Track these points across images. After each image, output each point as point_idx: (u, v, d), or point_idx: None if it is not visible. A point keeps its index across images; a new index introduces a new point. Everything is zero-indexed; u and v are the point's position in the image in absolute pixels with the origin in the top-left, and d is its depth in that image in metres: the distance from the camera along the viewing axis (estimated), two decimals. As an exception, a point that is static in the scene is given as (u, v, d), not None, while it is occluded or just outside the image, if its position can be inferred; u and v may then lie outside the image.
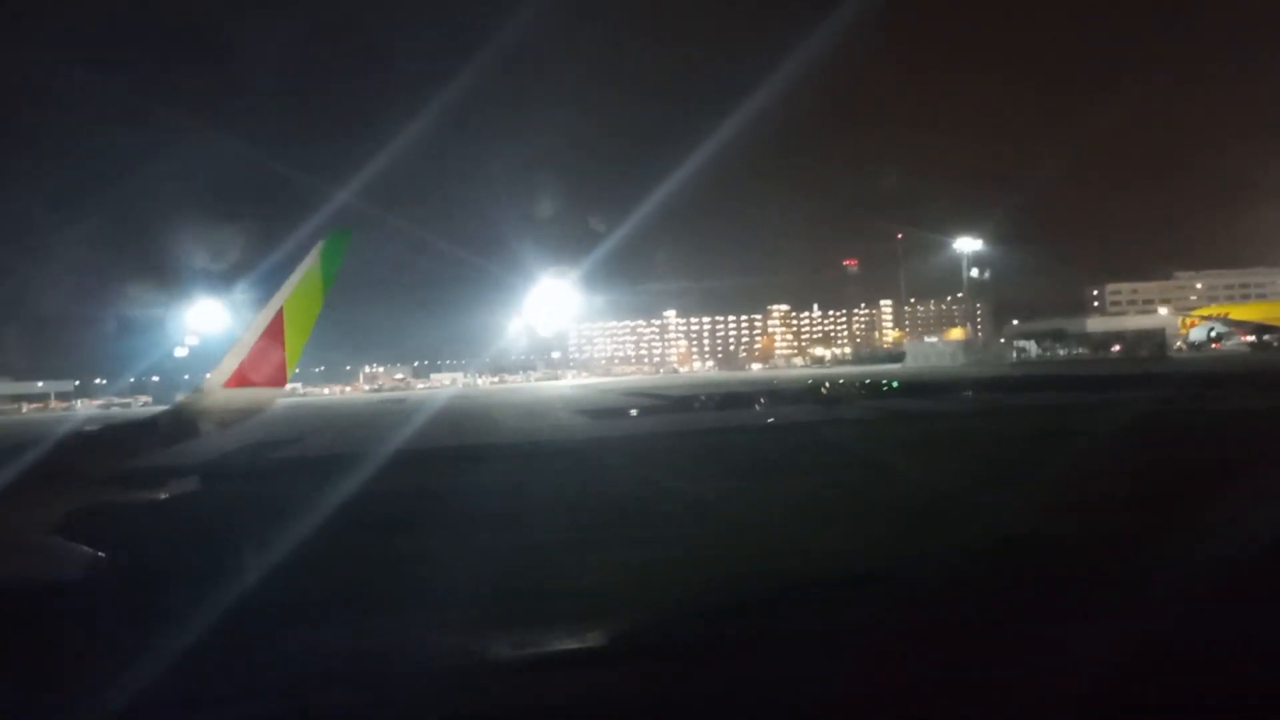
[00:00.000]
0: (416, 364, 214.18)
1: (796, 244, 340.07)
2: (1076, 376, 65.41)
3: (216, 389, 9.80)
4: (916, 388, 61.90)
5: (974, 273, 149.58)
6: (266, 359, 9.86)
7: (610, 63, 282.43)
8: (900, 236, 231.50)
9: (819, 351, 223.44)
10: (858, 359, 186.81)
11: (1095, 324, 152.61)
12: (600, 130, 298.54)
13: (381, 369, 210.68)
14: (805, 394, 61.52)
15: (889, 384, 67.80)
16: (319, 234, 10.92)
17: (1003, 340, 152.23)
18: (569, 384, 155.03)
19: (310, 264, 9.94)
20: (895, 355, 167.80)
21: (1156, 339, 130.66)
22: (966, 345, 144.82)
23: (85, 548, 9.33)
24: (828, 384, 74.24)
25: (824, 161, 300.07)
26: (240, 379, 9.78)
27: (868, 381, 75.64)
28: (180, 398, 10.36)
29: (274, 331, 9.87)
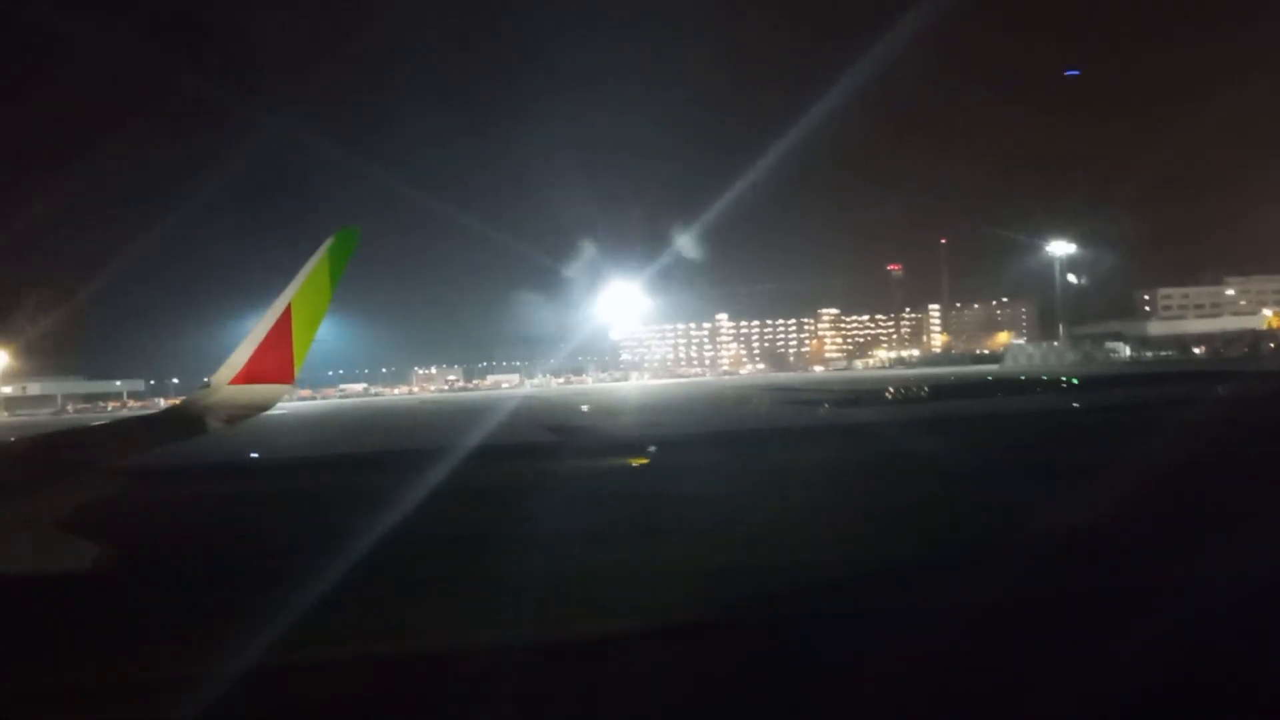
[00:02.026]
0: (465, 366, 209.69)
1: (841, 249, 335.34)
2: (1244, 372, 68.55)
3: (224, 386, 9.61)
4: (1106, 382, 64.81)
5: (1070, 277, 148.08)
6: (274, 356, 9.64)
7: (665, 74, 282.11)
8: (944, 241, 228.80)
9: (884, 354, 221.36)
10: (927, 361, 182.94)
11: (1155, 327, 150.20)
12: (656, 141, 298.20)
13: (434, 370, 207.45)
14: (1024, 386, 64.49)
15: (1070, 380, 68.89)
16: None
17: (1056, 343, 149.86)
18: (657, 384, 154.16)
19: (317, 262, 9.70)
20: (982, 357, 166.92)
21: None
22: (1070, 347, 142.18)
23: (90, 542, 9.17)
24: (1023, 378, 77.37)
25: (869, 167, 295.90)
26: (248, 376, 9.59)
27: (1045, 378, 77.18)
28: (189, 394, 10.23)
29: (282, 329, 9.65)
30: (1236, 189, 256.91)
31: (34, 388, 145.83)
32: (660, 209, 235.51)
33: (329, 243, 9.81)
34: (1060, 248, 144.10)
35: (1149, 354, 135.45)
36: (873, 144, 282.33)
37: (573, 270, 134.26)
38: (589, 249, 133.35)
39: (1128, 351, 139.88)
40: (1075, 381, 66.67)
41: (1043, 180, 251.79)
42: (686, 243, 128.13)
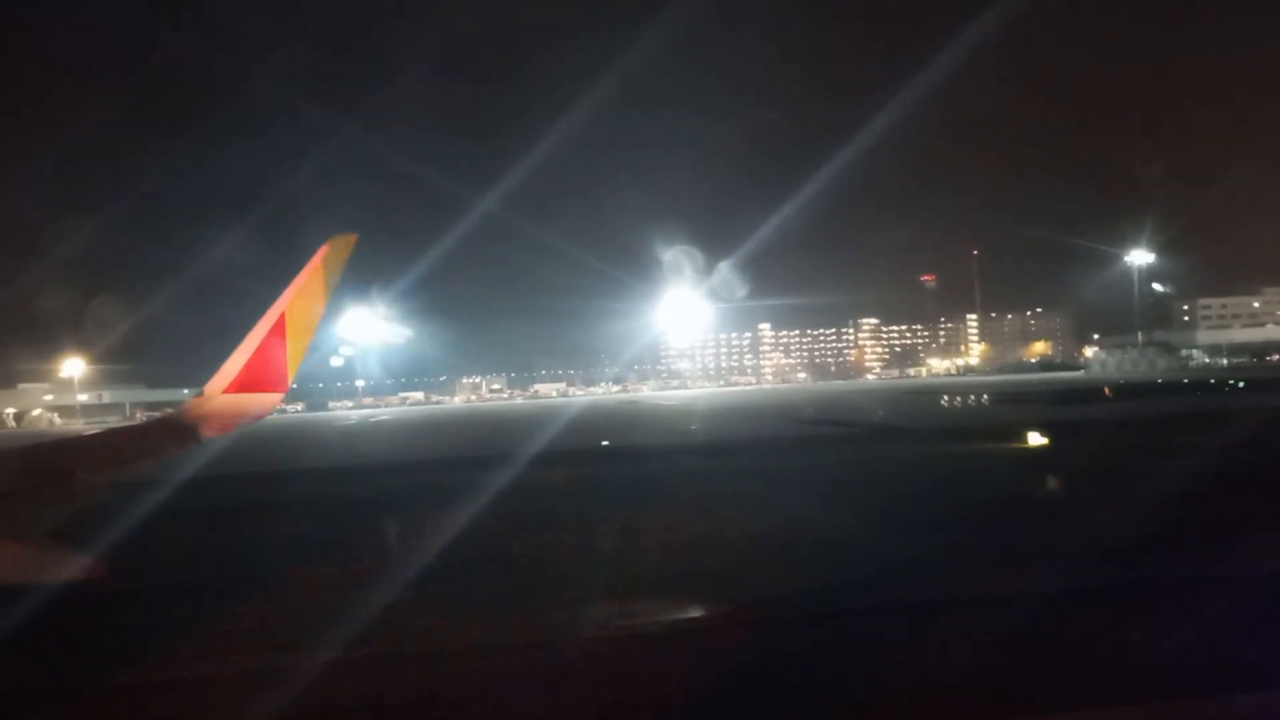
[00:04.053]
0: (509, 375, 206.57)
1: (873, 259, 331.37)
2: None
3: (217, 394, 9.23)
4: (1269, 384, 63.89)
5: (1155, 286, 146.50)
6: (268, 365, 9.25)
7: (707, 95, 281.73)
8: (975, 253, 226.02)
9: (937, 362, 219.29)
10: (998, 369, 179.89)
11: (1203, 336, 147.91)
12: (700, 155, 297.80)
13: (479, 379, 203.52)
14: (1210, 388, 63.39)
15: (1238, 383, 68.20)
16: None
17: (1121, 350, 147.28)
18: (728, 392, 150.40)
19: (313, 268, 9.31)
20: (1051, 364, 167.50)
21: None
22: (1160, 354, 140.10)
23: (81, 553, 8.85)
24: (1185, 382, 77.11)
25: (902, 177, 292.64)
26: (242, 385, 9.21)
27: (1187, 381, 77.35)
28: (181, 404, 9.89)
29: (276, 337, 9.27)
30: (1256, 197, 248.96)
31: (108, 396, 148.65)
32: (709, 221, 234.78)
33: (323, 250, 9.40)
34: (1139, 256, 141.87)
35: (1223, 361, 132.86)
36: (908, 154, 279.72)
37: (623, 280, 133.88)
38: (640, 259, 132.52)
39: (1204, 358, 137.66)
40: (1242, 384, 65.28)
41: (1069, 190, 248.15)
42: (735, 253, 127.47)
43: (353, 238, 9.62)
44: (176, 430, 9.24)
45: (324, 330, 9.68)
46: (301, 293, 9.29)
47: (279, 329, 9.25)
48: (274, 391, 9.34)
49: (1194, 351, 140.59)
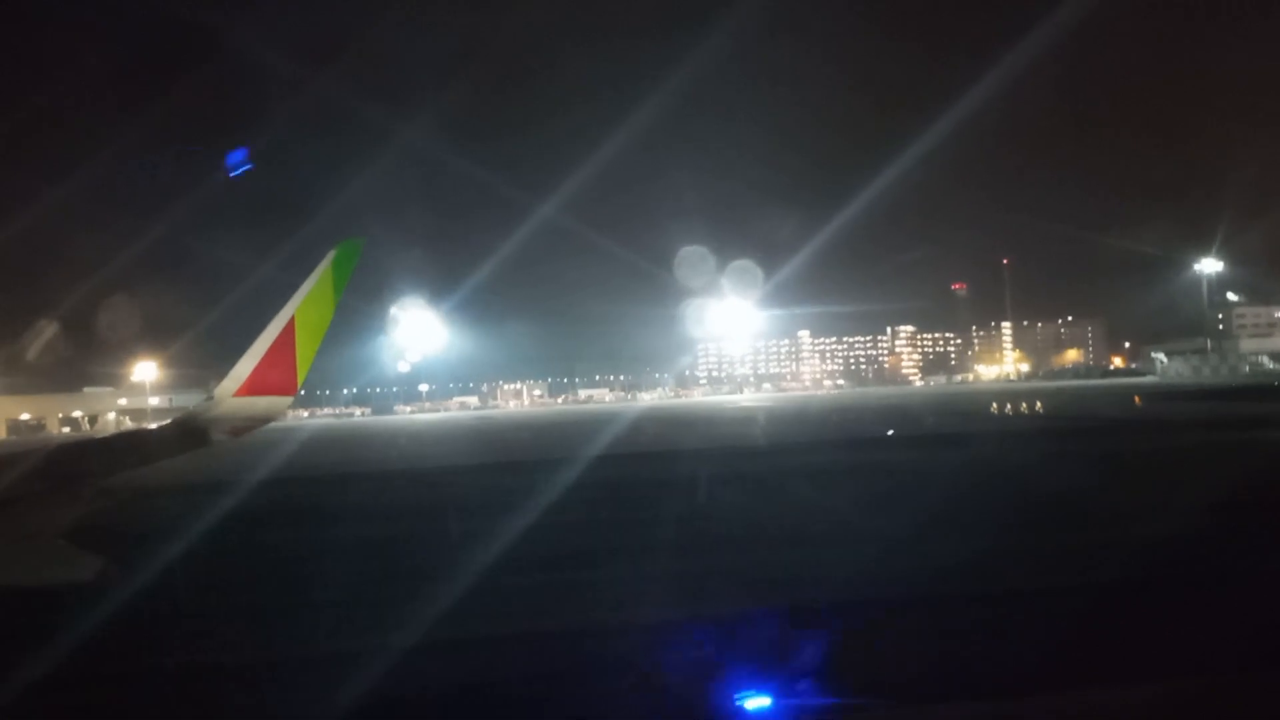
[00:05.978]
0: (551, 381, 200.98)
1: (912, 266, 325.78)
2: None
3: (228, 398, 9.03)
4: None
5: (1230, 295, 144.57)
6: (278, 368, 9.06)
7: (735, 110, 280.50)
8: (1006, 261, 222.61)
9: (985, 369, 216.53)
10: (1060, 375, 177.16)
11: (1247, 345, 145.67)
12: (741, 163, 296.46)
13: (520, 385, 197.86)
14: None
15: None
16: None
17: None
18: (789, 396, 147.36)
19: (321, 273, 9.10)
20: (1110, 371, 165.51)
21: None
22: (1237, 360, 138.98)
23: (93, 554, 8.66)
24: None
25: (942, 187, 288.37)
26: (252, 388, 9.01)
27: None
28: (192, 406, 9.71)
29: (285, 341, 9.07)
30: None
31: (177, 400, 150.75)
32: (751, 228, 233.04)
33: (332, 254, 9.20)
34: (1209, 264, 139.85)
35: None
36: (944, 166, 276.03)
37: (664, 286, 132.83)
38: (680, 265, 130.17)
39: (1263, 364, 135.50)
40: None
41: (1101, 198, 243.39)
42: (777, 261, 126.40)
43: (361, 241, 9.42)
44: (187, 434, 9.05)
45: (333, 334, 9.45)
46: (311, 297, 9.10)
47: (289, 333, 9.06)
48: (283, 394, 9.13)
49: (1262, 358, 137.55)
